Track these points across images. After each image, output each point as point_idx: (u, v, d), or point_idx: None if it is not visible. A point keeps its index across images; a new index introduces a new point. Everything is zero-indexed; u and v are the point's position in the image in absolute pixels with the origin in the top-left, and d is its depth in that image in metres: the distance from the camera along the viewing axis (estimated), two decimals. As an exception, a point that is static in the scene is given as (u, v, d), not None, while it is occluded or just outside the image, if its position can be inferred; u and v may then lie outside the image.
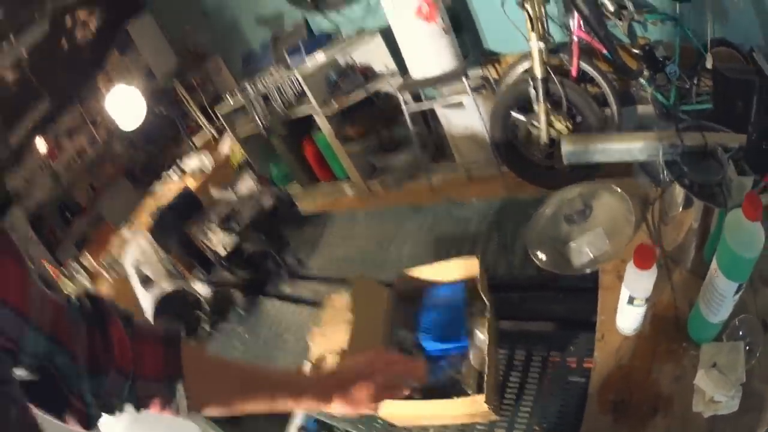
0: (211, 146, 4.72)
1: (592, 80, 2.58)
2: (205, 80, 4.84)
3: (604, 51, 2.40)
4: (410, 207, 1.93)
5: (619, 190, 1.20)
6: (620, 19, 2.39)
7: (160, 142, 4.89)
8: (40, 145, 4.28)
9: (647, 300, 0.83)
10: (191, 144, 4.87)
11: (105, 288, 3.39)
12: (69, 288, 3.49)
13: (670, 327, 0.86)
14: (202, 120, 4.86)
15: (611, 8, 2.35)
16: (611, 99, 2.53)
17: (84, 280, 3.58)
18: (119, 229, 4.08)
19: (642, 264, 0.81)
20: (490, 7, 2.76)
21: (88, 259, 3.83)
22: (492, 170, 2.92)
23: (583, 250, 1.14)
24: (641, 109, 2.65)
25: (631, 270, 0.83)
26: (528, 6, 2.35)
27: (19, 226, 4.02)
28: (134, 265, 2.03)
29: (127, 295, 2.21)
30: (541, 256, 1.20)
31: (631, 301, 0.84)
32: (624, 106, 2.57)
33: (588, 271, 1.10)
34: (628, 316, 0.86)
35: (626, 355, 0.86)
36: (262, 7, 3.94)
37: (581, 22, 2.41)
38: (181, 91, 4.70)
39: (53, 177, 4.41)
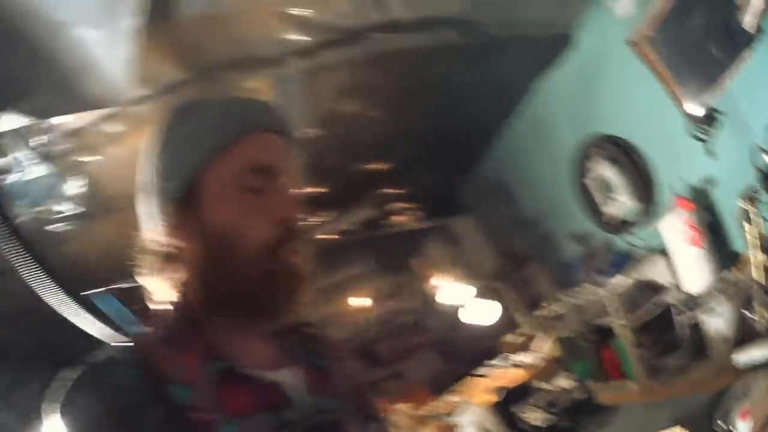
0: (528, 341, 5.17)
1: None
2: (524, 283, 5.34)
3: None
4: (669, 400, 3.20)
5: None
6: None
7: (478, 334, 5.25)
8: (353, 299, 5.07)
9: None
10: (516, 341, 5.25)
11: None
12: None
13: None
14: (523, 319, 5.34)
15: None
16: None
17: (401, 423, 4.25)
18: (435, 394, 4.73)
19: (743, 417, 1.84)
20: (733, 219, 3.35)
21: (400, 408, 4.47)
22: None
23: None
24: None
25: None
26: (747, 227, 2.95)
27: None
28: (476, 425, 3.41)
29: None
30: (722, 425, 2.17)
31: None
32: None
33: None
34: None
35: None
36: (573, 225, 4.79)
37: None
38: (505, 293, 5.23)
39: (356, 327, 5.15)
